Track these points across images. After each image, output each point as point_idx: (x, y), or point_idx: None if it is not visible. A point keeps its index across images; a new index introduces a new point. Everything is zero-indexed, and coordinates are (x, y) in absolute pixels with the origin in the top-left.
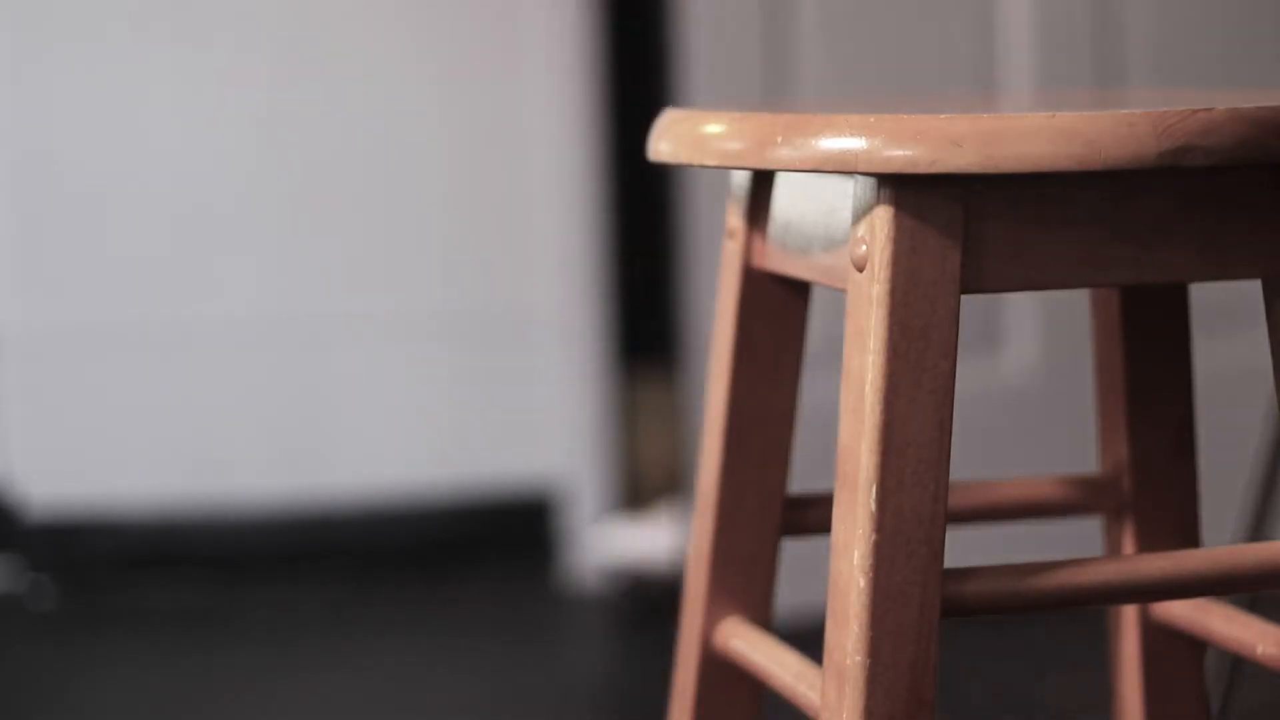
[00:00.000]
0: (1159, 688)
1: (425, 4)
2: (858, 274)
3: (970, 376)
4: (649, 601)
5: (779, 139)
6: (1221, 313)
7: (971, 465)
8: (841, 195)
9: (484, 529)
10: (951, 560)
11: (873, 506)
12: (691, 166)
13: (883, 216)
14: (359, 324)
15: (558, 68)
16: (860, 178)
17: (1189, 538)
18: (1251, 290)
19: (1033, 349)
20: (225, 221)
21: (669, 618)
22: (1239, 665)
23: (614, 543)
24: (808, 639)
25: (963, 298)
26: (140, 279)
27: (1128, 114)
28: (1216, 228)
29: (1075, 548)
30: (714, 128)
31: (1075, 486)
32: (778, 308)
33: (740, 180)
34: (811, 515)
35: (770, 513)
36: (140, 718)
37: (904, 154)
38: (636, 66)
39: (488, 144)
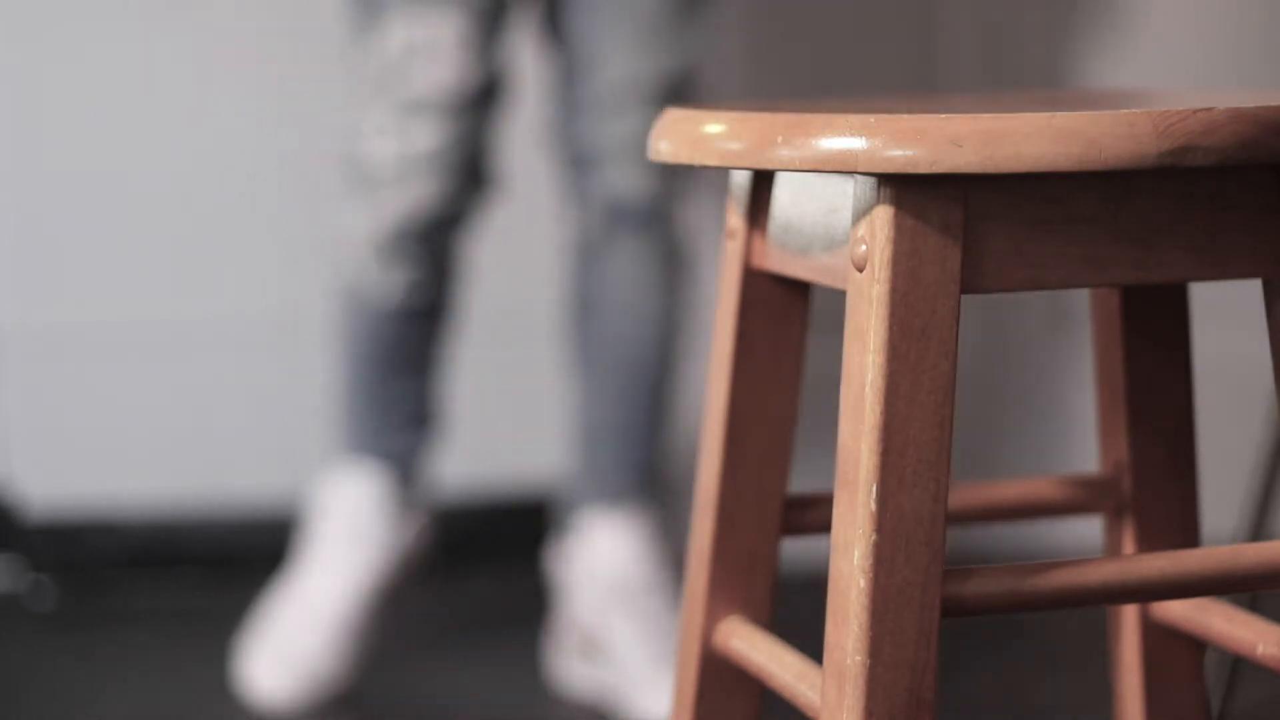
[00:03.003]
0: (1159, 688)
1: None
2: (858, 274)
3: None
4: None
5: (779, 139)
6: (1222, 307)
7: None
8: (842, 195)
9: (488, 529)
10: (951, 560)
11: (873, 506)
12: (692, 166)
13: (883, 216)
14: None
15: None
16: (860, 178)
17: (1189, 538)
18: (1252, 284)
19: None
20: (225, 221)
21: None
22: (1239, 665)
23: None
24: None
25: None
26: (140, 279)
27: (1128, 114)
28: (1216, 228)
29: (1075, 548)
30: (714, 127)
31: (1075, 486)
32: (778, 308)
33: (740, 180)
34: (811, 515)
35: (770, 513)
36: (140, 718)
37: (904, 154)
38: None
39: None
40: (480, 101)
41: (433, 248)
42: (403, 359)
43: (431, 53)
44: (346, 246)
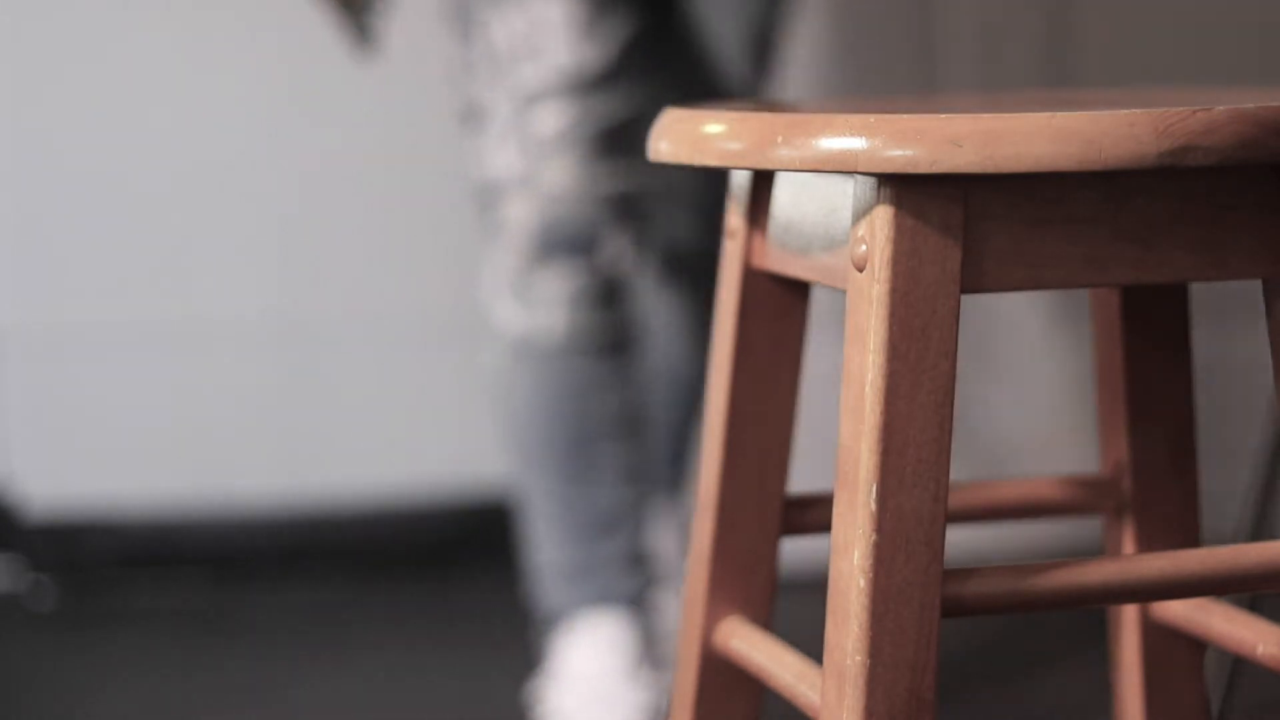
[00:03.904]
0: (1159, 688)
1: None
2: (858, 274)
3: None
4: None
5: (779, 139)
6: (1223, 307)
7: None
8: (841, 195)
9: (486, 530)
10: (951, 560)
11: (873, 506)
12: (692, 166)
13: (883, 216)
14: (360, 324)
15: None
16: (860, 178)
17: (1189, 538)
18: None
19: None
20: (225, 221)
21: None
22: (1239, 665)
23: None
24: None
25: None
26: (140, 279)
27: (1128, 114)
28: (1216, 228)
29: (1075, 548)
30: (714, 128)
31: (1075, 486)
32: (777, 308)
33: (740, 180)
34: (811, 515)
35: (770, 513)
36: (140, 718)
37: (904, 154)
38: None
39: None
40: (605, 84)
41: (588, 257)
42: (594, 425)
43: (541, 38)
44: (492, 309)
